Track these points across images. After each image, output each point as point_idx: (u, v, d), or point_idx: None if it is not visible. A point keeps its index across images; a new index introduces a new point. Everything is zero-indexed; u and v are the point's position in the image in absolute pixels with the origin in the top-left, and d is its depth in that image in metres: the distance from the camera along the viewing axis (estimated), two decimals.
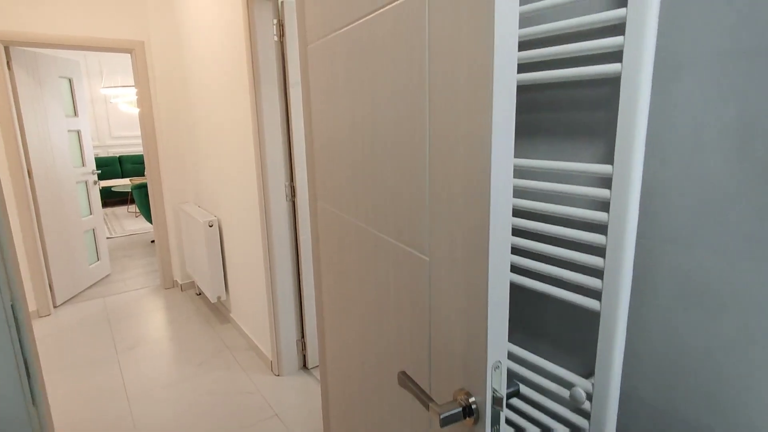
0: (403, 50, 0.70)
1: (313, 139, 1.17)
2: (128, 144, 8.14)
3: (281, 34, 2.12)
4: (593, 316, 0.86)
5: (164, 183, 3.67)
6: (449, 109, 0.62)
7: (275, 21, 2.11)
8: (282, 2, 2.09)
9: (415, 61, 0.68)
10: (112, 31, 3.35)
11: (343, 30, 0.88)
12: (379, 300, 0.89)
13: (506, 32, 0.53)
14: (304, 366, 2.55)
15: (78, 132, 3.86)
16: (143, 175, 7.78)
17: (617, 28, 0.76)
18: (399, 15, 0.70)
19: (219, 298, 3.12)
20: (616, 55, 0.76)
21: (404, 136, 0.73)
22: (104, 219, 6.80)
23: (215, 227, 3.01)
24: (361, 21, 0.81)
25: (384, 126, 0.78)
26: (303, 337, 2.51)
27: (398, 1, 0.70)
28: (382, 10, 0.74)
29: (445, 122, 0.63)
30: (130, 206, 7.59)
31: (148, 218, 5.04)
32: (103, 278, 4.13)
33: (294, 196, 2.32)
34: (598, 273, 0.81)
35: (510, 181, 0.58)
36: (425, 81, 0.66)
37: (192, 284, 3.85)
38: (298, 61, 2.15)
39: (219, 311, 3.34)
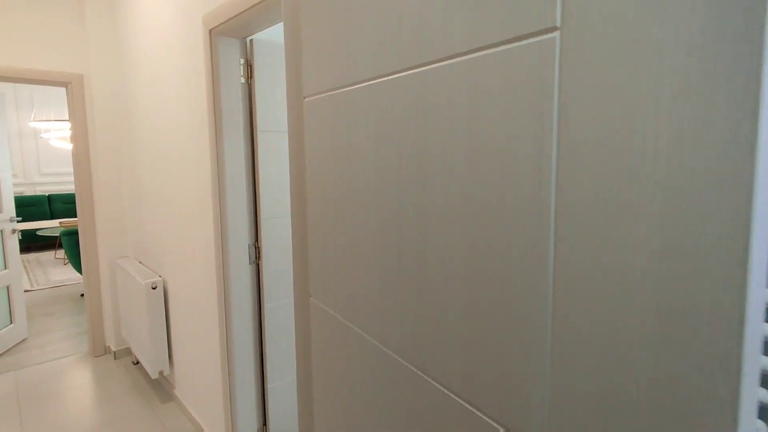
0: (503, 117, 0.46)
1: (306, 213, 0.89)
2: (59, 182, 7.41)
3: (249, 76, 1.86)
4: None
5: (99, 232, 3.19)
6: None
7: (242, 61, 1.85)
8: (251, 40, 1.84)
9: (527, 137, 0.43)
10: (44, 62, 2.94)
11: (372, 83, 0.63)
12: None
13: None
14: None
15: None
16: (75, 216, 7.03)
17: None
18: (498, 66, 0.46)
19: (161, 372, 2.65)
20: None
21: (497, 247, 0.47)
22: (25, 268, 5.99)
23: (159, 289, 2.58)
24: (407, 73, 0.57)
25: (449, 224, 0.52)
26: (265, 424, 2.11)
27: (508, 46, 0.45)
28: (456, 60, 0.50)
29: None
30: (58, 251, 6.78)
31: (78, 268, 4.43)
32: (16, 344, 3.48)
33: (259, 258, 2.00)
34: None
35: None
36: (552, 172, 0.41)
37: (129, 350, 3.31)
38: (269, 106, 1.88)
39: (161, 386, 2.85)
